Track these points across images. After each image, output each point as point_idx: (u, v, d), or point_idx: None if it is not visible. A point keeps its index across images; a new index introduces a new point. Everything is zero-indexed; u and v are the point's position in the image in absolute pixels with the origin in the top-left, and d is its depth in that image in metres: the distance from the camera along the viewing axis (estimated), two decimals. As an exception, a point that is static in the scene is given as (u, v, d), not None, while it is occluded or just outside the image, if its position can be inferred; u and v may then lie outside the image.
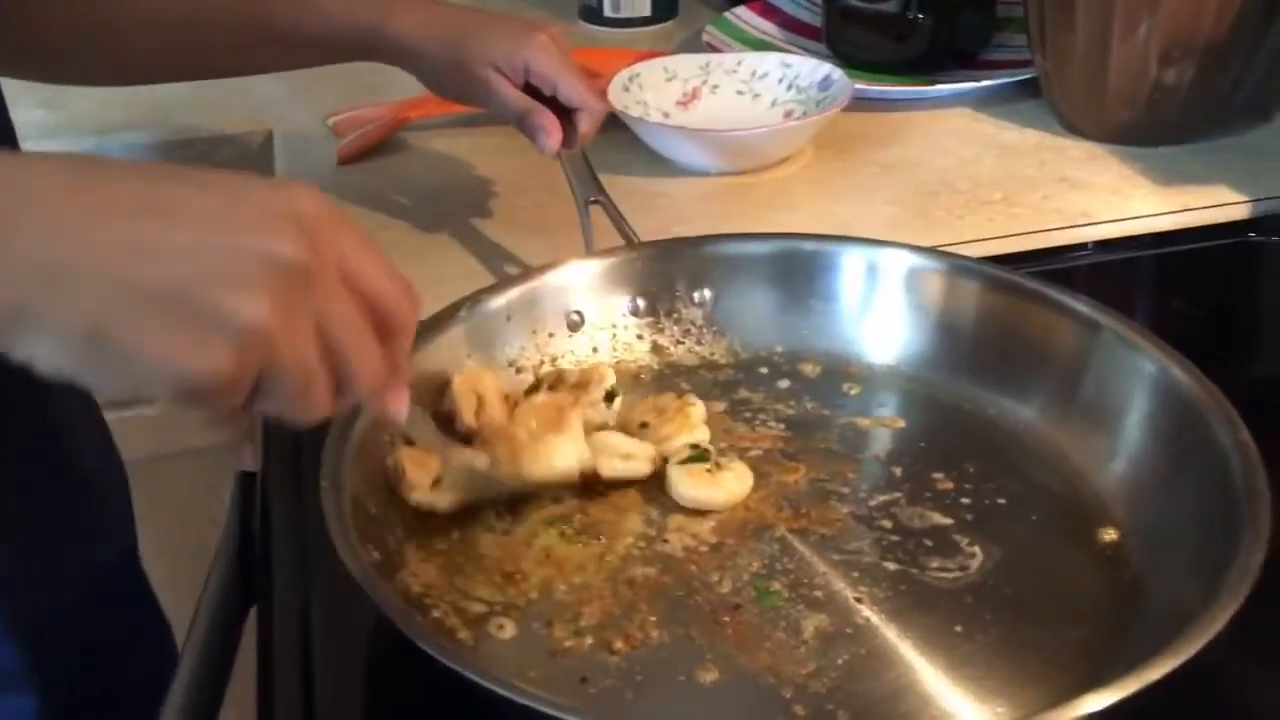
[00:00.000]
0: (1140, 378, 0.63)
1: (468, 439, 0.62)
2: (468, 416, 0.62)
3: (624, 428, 0.66)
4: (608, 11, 1.28)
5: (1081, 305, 0.66)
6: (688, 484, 0.62)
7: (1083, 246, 0.89)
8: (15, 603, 0.68)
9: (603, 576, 0.58)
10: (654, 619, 0.55)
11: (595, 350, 0.72)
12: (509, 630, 0.55)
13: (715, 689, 0.52)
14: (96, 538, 0.77)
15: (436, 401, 0.64)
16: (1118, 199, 0.92)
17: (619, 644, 0.54)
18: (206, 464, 1.03)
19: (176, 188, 0.42)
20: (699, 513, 0.62)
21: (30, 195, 0.41)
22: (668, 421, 0.66)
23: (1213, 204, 0.91)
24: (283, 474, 0.69)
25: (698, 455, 0.63)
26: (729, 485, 0.62)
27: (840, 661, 0.53)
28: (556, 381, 0.69)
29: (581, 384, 0.68)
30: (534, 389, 0.68)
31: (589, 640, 0.54)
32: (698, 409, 0.66)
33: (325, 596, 0.60)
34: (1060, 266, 0.86)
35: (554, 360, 0.72)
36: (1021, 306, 0.69)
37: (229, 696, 0.66)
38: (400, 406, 0.50)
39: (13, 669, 0.67)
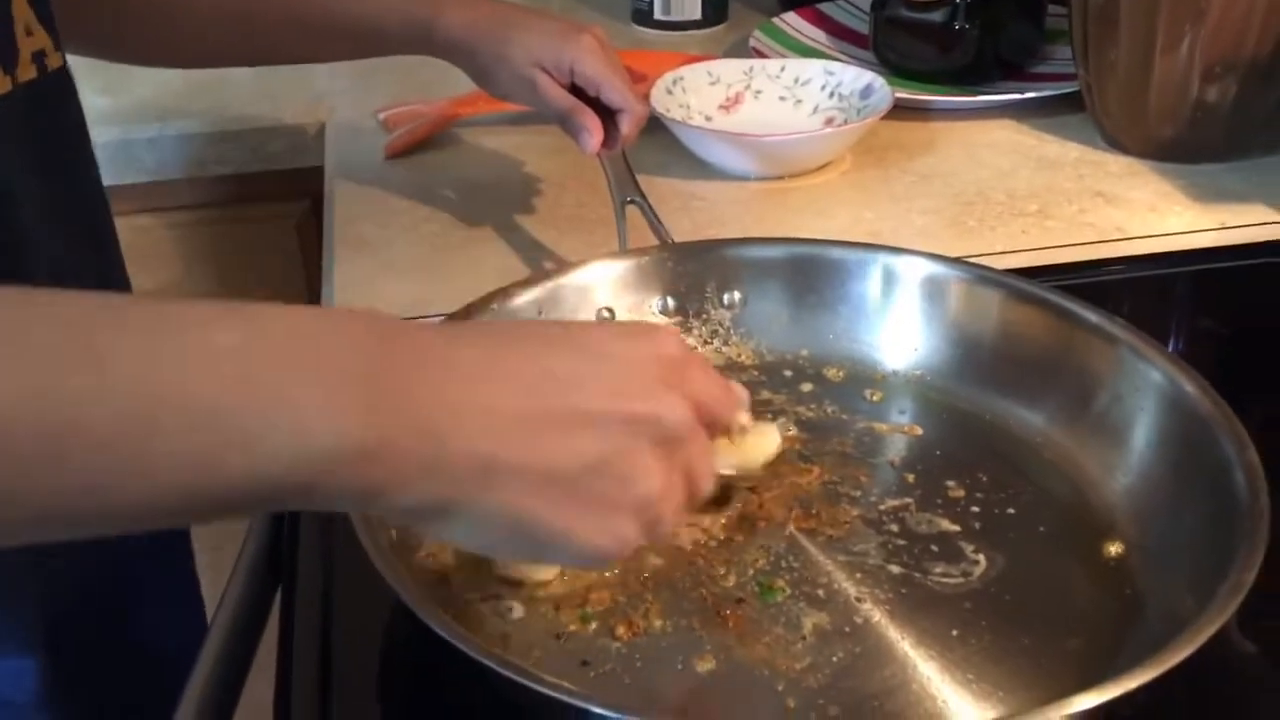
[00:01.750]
0: (1154, 393, 0.64)
1: None
2: None
3: None
4: (658, 14, 1.30)
5: (1098, 318, 0.67)
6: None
7: (1115, 261, 0.89)
8: (31, 565, 0.70)
9: (611, 565, 0.60)
10: (658, 608, 0.57)
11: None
12: (518, 612, 0.57)
13: (711, 678, 0.54)
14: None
15: None
16: (1154, 215, 0.93)
17: (622, 630, 0.56)
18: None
19: (567, 357, 0.45)
20: (712, 507, 0.63)
21: (460, 386, 0.42)
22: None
23: (1250, 223, 0.91)
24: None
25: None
26: (747, 450, 0.63)
27: (836, 658, 0.54)
28: None
29: None
30: None
31: (593, 625, 0.56)
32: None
33: (347, 579, 0.62)
34: (1091, 280, 0.87)
35: None
36: (1040, 318, 0.69)
37: (256, 667, 0.69)
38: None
39: (45, 627, 0.70)
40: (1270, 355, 0.83)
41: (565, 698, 0.47)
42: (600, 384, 0.45)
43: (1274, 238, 0.91)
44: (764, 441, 0.65)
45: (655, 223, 0.81)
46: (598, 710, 0.46)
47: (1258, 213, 0.92)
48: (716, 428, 0.50)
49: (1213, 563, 0.54)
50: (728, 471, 0.62)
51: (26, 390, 0.36)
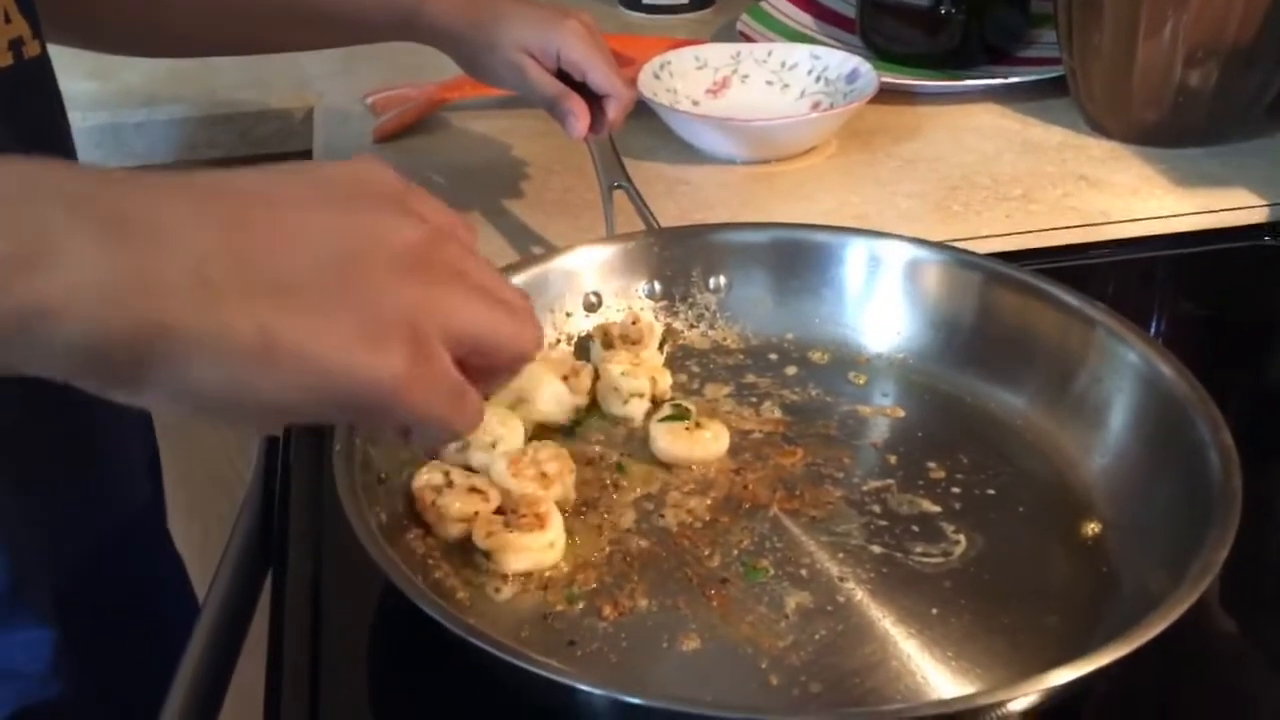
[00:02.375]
0: (1130, 374, 0.65)
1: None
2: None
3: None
4: (646, -2, 1.31)
5: (1076, 300, 0.68)
6: (667, 440, 0.66)
7: (1098, 245, 0.90)
8: (45, 544, 0.71)
9: (599, 547, 0.61)
10: (643, 588, 0.58)
11: (607, 335, 0.75)
12: (506, 593, 0.58)
13: (696, 656, 0.55)
14: (122, 487, 0.80)
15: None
16: (1136, 199, 0.94)
17: (608, 610, 0.57)
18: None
19: (286, 179, 0.42)
20: (696, 491, 0.65)
21: (161, 205, 0.39)
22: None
23: (1231, 206, 0.93)
24: (305, 440, 0.72)
25: (678, 414, 0.67)
26: (706, 443, 0.66)
27: (818, 636, 0.56)
28: (606, 336, 0.73)
29: (634, 339, 0.72)
30: (585, 343, 0.73)
31: (580, 605, 0.57)
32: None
33: (337, 561, 0.63)
34: (1074, 264, 0.88)
35: (570, 339, 0.75)
36: (1020, 301, 0.71)
37: (246, 648, 0.70)
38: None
39: (39, 605, 0.71)
40: (1249, 337, 0.84)
41: (551, 675, 0.48)
42: (321, 200, 0.41)
43: (1254, 221, 0.92)
44: (719, 439, 0.67)
45: (642, 208, 0.82)
46: (583, 688, 0.48)
47: (1238, 197, 0.93)
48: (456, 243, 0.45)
49: (1187, 542, 0.55)
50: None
51: None
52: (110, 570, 0.76)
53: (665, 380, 0.71)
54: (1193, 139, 1.00)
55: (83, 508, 0.74)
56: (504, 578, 0.59)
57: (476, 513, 0.61)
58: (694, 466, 0.66)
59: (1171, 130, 1.00)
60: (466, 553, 0.60)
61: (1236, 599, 0.61)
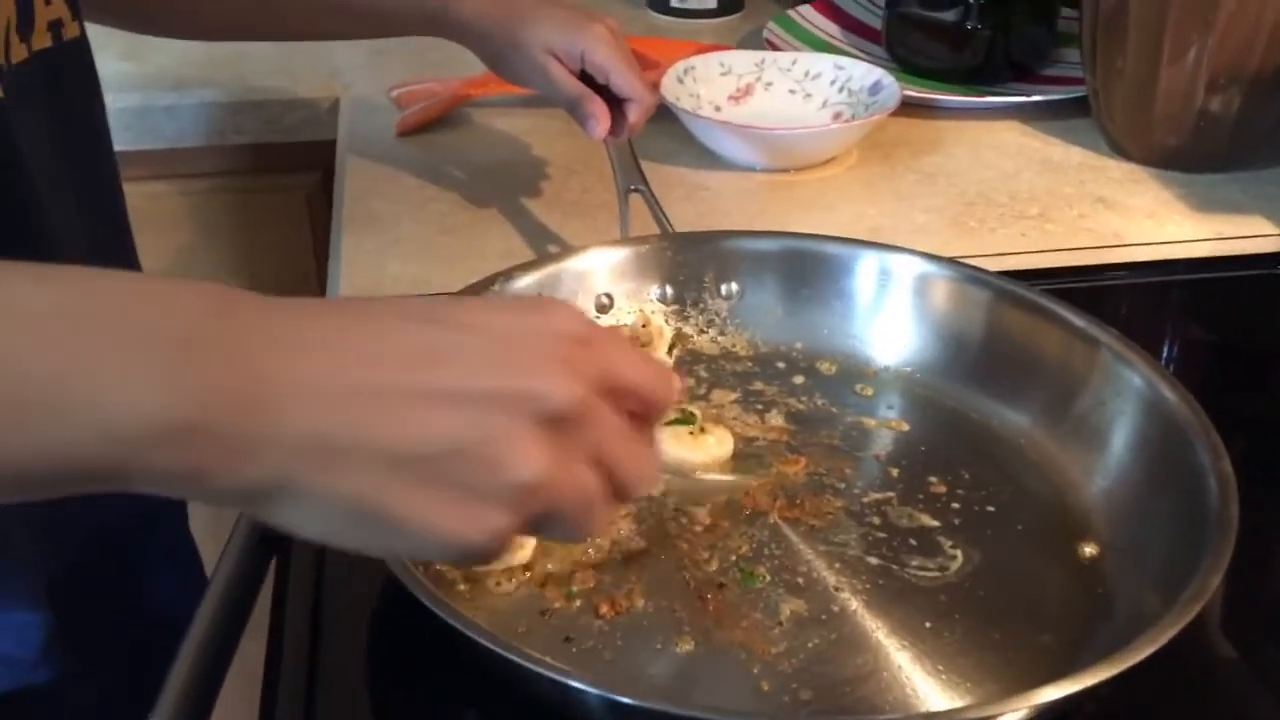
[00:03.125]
0: (1134, 397, 0.65)
1: None
2: None
3: None
4: (674, 1, 1.31)
5: (1082, 321, 0.69)
6: (671, 444, 0.66)
7: (1113, 267, 0.90)
8: (39, 532, 0.72)
9: (598, 546, 0.61)
10: (641, 589, 0.59)
11: (620, 334, 0.76)
12: (505, 588, 0.59)
13: (689, 659, 0.56)
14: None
15: None
16: (1152, 223, 0.94)
17: (605, 609, 0.58)
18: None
19: (439, 330, 0.40)
20: (698, 495, 0.65)
21: (297, 358, 0.38)
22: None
23: (1247, 234, 0.93)
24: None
25: (684, 418, 0.68)
26: (710, 448, 0.67)
27: (811, 644, 0.56)
28: None
29: (644, 341, 0.73)
30: None
31: (578, 603, 0.58)
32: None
33: (340, 556, 0.64)
34: (1088, 285, 0.88)
35: None
36: (1027, 319, 0.71)
37: (249, 631, 0.71)
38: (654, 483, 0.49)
39: (32, 591, 0.72)
40: (1258, 366, 0.84)
41: (543, 671, 0.49)
42: (464, 358, 0.40)
43: (1270, 250, 0.92)
44: (722, 444, 0.67)
45: (658, 211, 0.83)
46: (575, 684, 0.48)
47: (1255, 224, 0.94)
48: (647, 413, 0.44)
49: (1182, 567, 0.55)
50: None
51: None
52: (108, 559, 0.77)
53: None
54: (1212, 165, 1.00)
55: (80, 498, 0.75)
56: (505, 572, 0.59)
57: None
58: (697, 471, 0.67)
59: (1192, 155, 1.00)
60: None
61: (1236, 624, 0.61)
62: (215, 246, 1.19)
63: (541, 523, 0.41)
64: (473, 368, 0.40)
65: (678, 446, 0.67)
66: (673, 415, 0.69)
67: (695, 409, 0.70)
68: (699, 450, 0.67)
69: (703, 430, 0.68)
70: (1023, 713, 0.49)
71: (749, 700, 0.54)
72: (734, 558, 0.61)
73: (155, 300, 0.37)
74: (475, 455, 0.39)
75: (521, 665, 0.49)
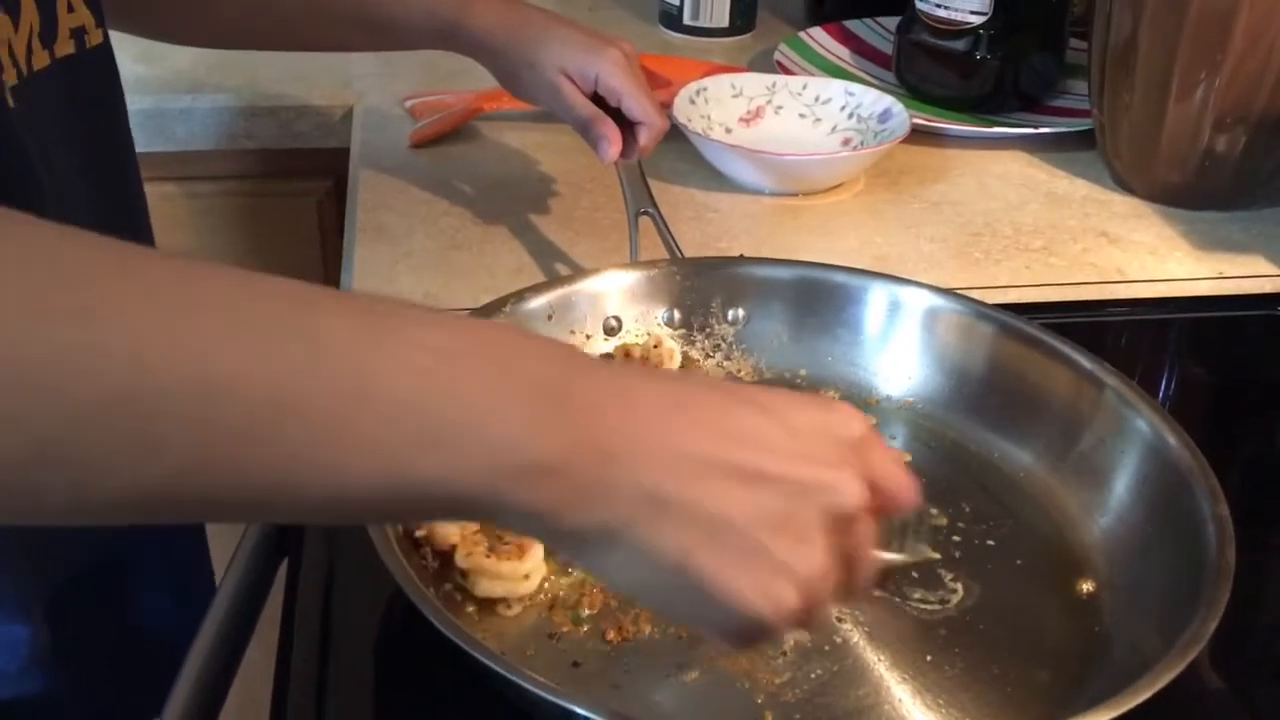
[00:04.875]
0: (1135, 439, 0.66)
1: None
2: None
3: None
4: (686, 19, 1.32)
5: (1088, 362, 0.70)
6: None
7: (1114, 303, 0.91)
8: (29, 545, 0.71)
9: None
10: (647, 615, 0.60)
11: (628, 356, 0.77)
12: (513, 610, 0.60)
13: (694, 686, 0.57)
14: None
15: None
16: (1154, 259, 0.95)
17: (612, 634, 0.59)
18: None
19: (756, 418, 0.44)
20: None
21: (646, 409, 0.42)
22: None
23: (1248, 274, 0.94)
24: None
25: None
26: None
27: (814, 675, 0.57)
28: (626, 358, 0.74)
29: (654, 363, 0.73)
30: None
31: (585, 628, 0.59)
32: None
33: (351, 561, 0.65)
34: (1088, 320, 0.89)
35: None
36: (1033, 357, 0.72)
37: (257, 639, 0.72)
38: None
39: (20, 603, 0.71)
40: (1256, 406, 0.86)
41: (549, 696, 0.50)
42: (784, 447, 0.44)
43: (1270, 290, 0.93)
44: None
45: (667, 236, 0.84)
46: (579, 710, 0.49)
47: (1256, 264, 0.95)
48: (888, 513, 0.48)
49: (1179, 609, 0.56)
50: None
51: (244, 360, 0.36)
52: (102, 571, 0.77)
53: None
54: (1216, 203, 1.01)
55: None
56: (513, 596, 0.60)
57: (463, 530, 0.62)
58: None
59: (1196, 193, 1.01)
60: (482, 571, 0.61)
61: (1227, 658, 0.62)
62: (223, 250, 1.19)
63: (809, 609, 0.45)
64: (788, 456, 0.44)
65: None
66: None
67: None
68: None
69: None
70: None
71: (752, 729, 0.55)
72: (739, 586, 0.62)
73: (533, 352, 0.42)
74: (783, 530, 0.43)
75: (526, 689, 0.50)
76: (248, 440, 0.37)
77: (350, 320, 0.39)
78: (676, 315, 0.78)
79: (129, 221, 0.79)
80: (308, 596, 0.64)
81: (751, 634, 0.44)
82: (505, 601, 0.60)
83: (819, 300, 0.78)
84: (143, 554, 0.81)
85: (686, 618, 0.46)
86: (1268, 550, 0.72)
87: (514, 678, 0.50)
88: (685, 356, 0.78)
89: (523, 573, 0.60)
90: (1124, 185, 1.05)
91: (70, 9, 0.67)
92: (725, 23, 1.32)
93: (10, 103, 0.62)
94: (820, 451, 0.44)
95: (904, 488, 0.47)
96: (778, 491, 0.43)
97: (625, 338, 0.77)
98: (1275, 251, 0.96)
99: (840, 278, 0.78)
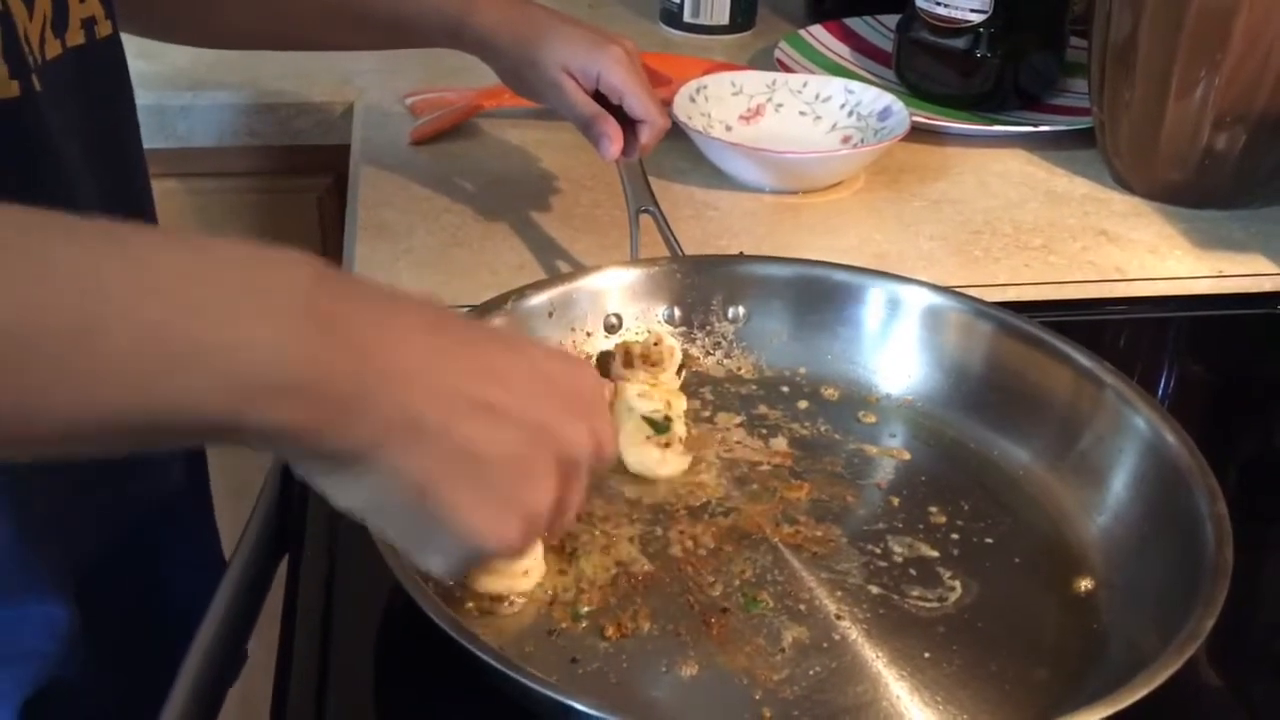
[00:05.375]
0: (1135, 438, 0.66)
1: None
2: None
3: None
4: (687, 17, 1.32)
5: (1088, 360, 0.70)
6: (635, 452, 0.68)
7: (1113, 301, 0.92)
8: (64, 525, 0.73)
9: (605, 567, 0.63)
10: (646, 612, 0.60)
11: (628, 354, 0.76)
12: (513, 607, 0.60)
13: (692, 683, 0.57)
14: (151, 475, 0.82)
15: None
16: (1153, 258, 0.95)
17: (610, 631, 0.59)
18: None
19: (508, 356, 0.47)
20: (703, 517, 0.66)
21: (404, 333, 0.44)
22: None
23: (1247, 272, 0.94)
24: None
25: (659, 425, 0.69)
26: (671, 463, 0.68)
27: (812, 672, 0.57)
28: (627, 355, 0.73)
29: (654, 360, 0.73)
30: (606, 359, 0.73)
31: (584, 624, 0.59)
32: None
33: (351, 556, 0.65)
34: (1087, 318, 0.90)
35: (589, 358, 0.76)
36: (1033, 356, 0.72)
37: (257, 636, 0.72)
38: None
39: (57, 583, 0.72)
40: (1256, 404, 0.86)
41: (547, 691, 0.50)
42: (530, 389, 0.46)
43: (1269, 289, 0.93)
44: (685, 460, 0.69)
45: (668, 234, 0.84)
46: (577, 706, 0.49)
47: (1255, 262, 0.95)
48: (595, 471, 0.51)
49: (1177, 607, 0.56)
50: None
51: None
52: (130, 554, 0.78)
53: (680, 404, 0.73)
54: (1216, 202, 1.01)
55: (107, 492, 0.76)
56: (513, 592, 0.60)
57: None
58: (694, 487, 0.68)
59: (1195, 191, 1.01)
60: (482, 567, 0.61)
61: (1225, 655, 0.62)
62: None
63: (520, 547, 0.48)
64: (534, 398, 0.46)
65: (641, 454, 0.68)
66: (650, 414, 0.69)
67: (672, 417, 0.70)
68: (663, 464, 0.68)
69: (667, 445, 0.69)
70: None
71: (751, 726, 0.55)
72: (738, 582, 0.62)
73: (277, 270, 0.42)
74: (518, 470, 0.45)
75: (525, 685, 0.50)
76: None
77: (86, 249, 0.39)
78: (677, 313, 0.79)
79: (135, 213, 0.79)
80: (308, 593, 0.64)
81: (468, 560, 0.47)
82: (504, 598, 0.60)
83: (819, 298, 0.78)
84: (171, 533, 0.82)
85: (410, 541, 0.47)
86: (1267, 548, 0.72)
87: (512, 674, 0.50)
88: (685, 354, 0.78)
89: (521, 569, 0.61)
90: (1124, 184, 1.05)
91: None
92: (726, 20, 1.32)
93: (37, 85, 0.63)
94: (562, 400, 0.47)
95: (609, 448, 0.50)
96: (520, 432, 0.45)
97: (626, 335, 0.77)
98: (1274, 250, 0.96)
99: (840, 276, 0.79)
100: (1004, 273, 0.92)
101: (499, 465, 0.45)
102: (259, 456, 1.09)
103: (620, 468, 0.69)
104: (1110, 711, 0.50)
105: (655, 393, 0.72)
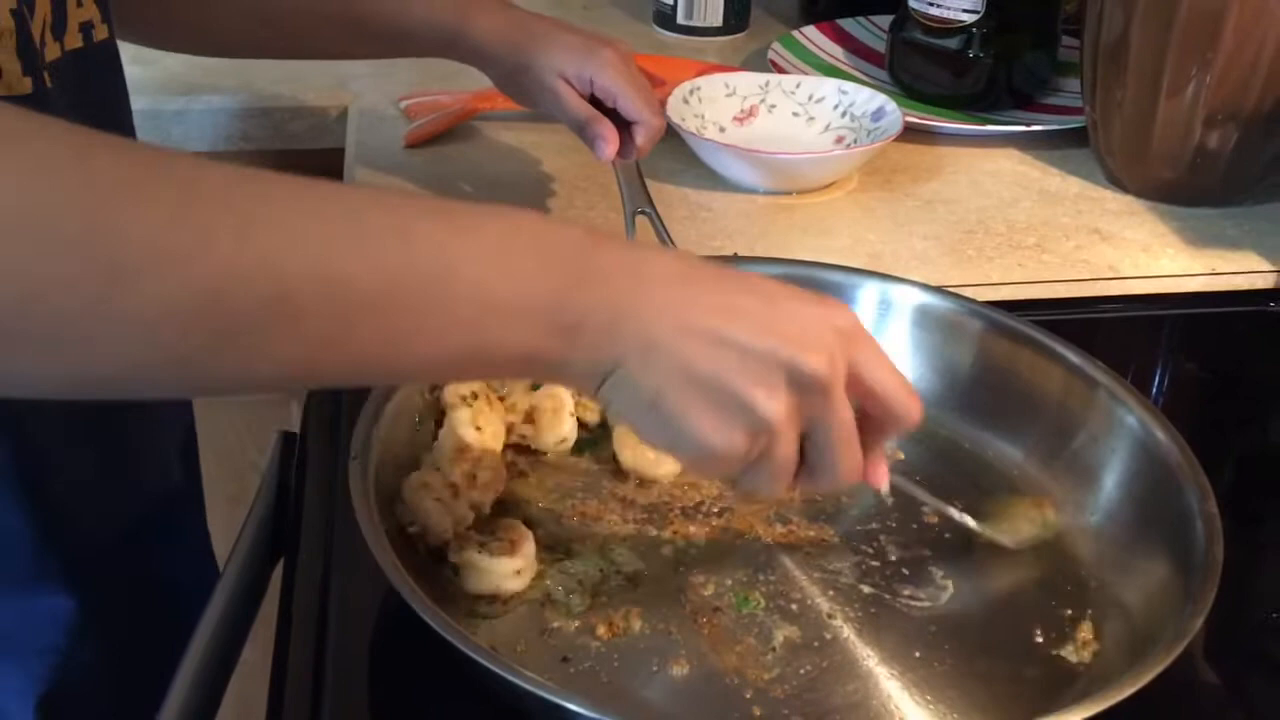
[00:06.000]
0: (1126, 436, 0.67)
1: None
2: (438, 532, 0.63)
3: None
4: (680, 19, 1.32)
5: (1079, 359, 0.70)
6: (630, 454, 0.68)
7: (1106, 300, 0.92)
8: (70, 517, 0.73)
9: (598, 567, 0.63)
10: (638, 611, 0.60)
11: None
12: (505, 606, 0.60)
13: (684, 682, 0.57)
14: (153, 469, 0.82)
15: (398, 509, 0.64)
16: (1146, 256, 0.95)
17: (602, 630, 0.59)
18: (253, 415, 1.10)
19: (749, 298, 0.52)
20: (697, 516, 0.67)
21: (653, 281, 0.51)
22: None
23: (1239, 270, 0.94)
24: (320, 439, 0.75)
25: None
26: (669, 463, 0.68)
27: (803, 671, 0.58)
28: None
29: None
30: None
31: (576, 624, 0.60)
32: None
33: (346, 561, 0.65)
34: (1081, 316, 0.90)
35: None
36: (1025, 355, 0.73)
37: (253, 640, 0.72)
38: (881, 482, 0.58)
39: (63, 575, 0.73)
40: (1248, 401, 0.86)
41: (538, 691, 0.50)
42: (757, 322, 0.51)
43: (1261, 286, 0.94)
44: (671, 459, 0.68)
45: (663, 235, 0.84)
46: (569, 706, 0.50)
47: (1248, 260, 0.95)
48: (883, 423, 0.55)
49: (1167, 606, 0.57)
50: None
51: (357, 259, 0.46)
52: (136, 549, 0.79)
53: None
54: (1208, 199, 1.02)
55: (110, 485, 0.76)
56: (508, 592, 0.61)
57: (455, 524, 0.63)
58: (687, 487, 0.69)
59: (1188, 189, 1.01)
60: (476, 570, 0.62)
61: (1220, 652, 0.63)
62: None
63: (753, 466, 0.53)
64: (760, 330, 0.51)
65: (635, 454, 0.68)
66: None
67: None
68: (659, 464, 0.69)
69: None
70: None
71: (742, 725, 0.55)
72: (730, 582, 0.62)
73: (556, 232, 0.51)
74: (735, 386, 0.51)
75: (517, 685, 0.50)
76: (364, 320, 0.47)
77: (431, 221, 0.49)
78: None
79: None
80: (303, 597, 0.64)
81: (710, 462, 0.52)
82: (497, 597, 0.61)
83: None
84: (167, 533, 0.82)
85: (661, 443, 0.54)
86: (1261, 545, 0.72)
87: (503, 673, 0.50)
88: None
89: (514, 569, 0.61)
90: (1116, 182, 1.05)
91: (79, 3, 0.68)
92: (719, 22, 1.32)
93: (48, 83, 0.63)
94: (794, 332, 0.52)
95: (896, 389, 0.54)
96: (744, 357, 0.51)
97: None
98: (1267, 248, 0.96)
99: (833, 276, 0.79)
100: (997, 272, 0.92)
101: (720, 379, 0.50)
102: (256, 459, 1.09)
103: (617, 469, 0.69)
104: (1100, 709, 0.50)
105: None
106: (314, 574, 0.66)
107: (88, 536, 0.75)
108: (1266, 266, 0.94)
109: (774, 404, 0.51)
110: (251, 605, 0.72)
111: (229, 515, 0.86)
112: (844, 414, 0.53)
